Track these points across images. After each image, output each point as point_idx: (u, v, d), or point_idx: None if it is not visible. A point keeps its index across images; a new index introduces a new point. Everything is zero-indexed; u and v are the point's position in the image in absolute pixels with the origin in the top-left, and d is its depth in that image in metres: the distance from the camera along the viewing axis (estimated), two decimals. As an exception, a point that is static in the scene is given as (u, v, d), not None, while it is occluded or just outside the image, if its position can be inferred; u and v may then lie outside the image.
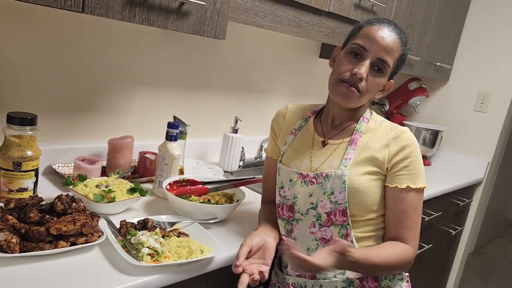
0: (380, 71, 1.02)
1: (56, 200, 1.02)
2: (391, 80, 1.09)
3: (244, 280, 0.92)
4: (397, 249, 1.02)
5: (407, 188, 1.01)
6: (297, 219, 1.08)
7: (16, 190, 1.10)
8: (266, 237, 1.04)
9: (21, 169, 1.09)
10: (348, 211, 1.01)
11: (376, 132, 1.07)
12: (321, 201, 1.04)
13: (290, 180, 1.10)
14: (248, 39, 1.87)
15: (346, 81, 1.01)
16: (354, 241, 1.02)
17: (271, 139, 1.24)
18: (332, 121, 1.12)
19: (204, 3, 1.16)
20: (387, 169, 1.03)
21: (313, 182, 1.05)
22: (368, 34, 1.02)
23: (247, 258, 0.97)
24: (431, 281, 2.53)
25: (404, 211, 1.02)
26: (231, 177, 1.58)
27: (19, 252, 0.88)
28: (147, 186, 1.40)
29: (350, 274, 1.04)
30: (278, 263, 1.17)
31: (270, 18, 1.43)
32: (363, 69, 1.00)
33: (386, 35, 1.01)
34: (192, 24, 1.18)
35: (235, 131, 1.78)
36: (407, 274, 1.12)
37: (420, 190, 1.04)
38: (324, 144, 1.10)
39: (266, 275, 0.96)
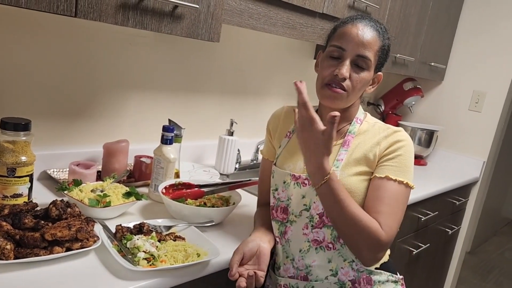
0: (363, 66, 1.02)
1: (51, 205, 1.02)
2: (380, 73, 1.09)
3: (242, 283, 0.93)
4: (369, 217, 0.96)
5: (386, 177, 0.99)
6: (291, 220, 1.08)
7: (10, 196, 1.09)
8: (260, 242, 1.03)
9: (15, 175, 1.08)
10: None
11: (369, 133, 1.07)
12: (314, 202, 1.04)
13: (284, 182, 1.10)
14: (242, 42, 1.88)
15: (330, 82, 1.02)
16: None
17: (267, 141, 1.24)
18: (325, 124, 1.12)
19: (197, 6, 1.16)
20: (376, 164, 1.02)
21: (306, 184, 1.05)
22: (343, 33, 1.02)
23: (241, 265, 0.97)
24: (429, 281, 2.54)
25: (381, 197, 0.98)
26: (227, 180, 1.58)
27: (14, 259, 0.87)
28: (142, 190, 1.39)
29: (342, 276, 1.04)
30: (271, 264, 1.17)
31: (264, 20, 1.43)
32: (344, 69, 1.00)
33: (361, 30, 1.01)
34: (186, 27, 1.18)
35: (230, 133, 1.78)
36: (401, 277, 1.11)
37: (402, 184, 0.99)
38: None
39: (262, 280, 0.96)
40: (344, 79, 1.01)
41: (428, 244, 2.21)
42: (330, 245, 1.03)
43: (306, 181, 1.05)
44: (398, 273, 1.11)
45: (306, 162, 0.96)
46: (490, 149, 2.56)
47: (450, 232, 2.48)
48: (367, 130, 1.08)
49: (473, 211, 2.66)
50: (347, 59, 1.01)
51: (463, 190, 2.49)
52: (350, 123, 1.10)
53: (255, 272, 0.95)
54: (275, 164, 1.15)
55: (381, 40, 1.04)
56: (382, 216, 0.97)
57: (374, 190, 1.00)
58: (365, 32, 1.01)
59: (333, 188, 0.94)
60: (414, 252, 2.10)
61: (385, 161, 1.01)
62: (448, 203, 2.36)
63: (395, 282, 1.08)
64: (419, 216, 2.05)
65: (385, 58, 1.08)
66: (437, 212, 2.18)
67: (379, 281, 1.05)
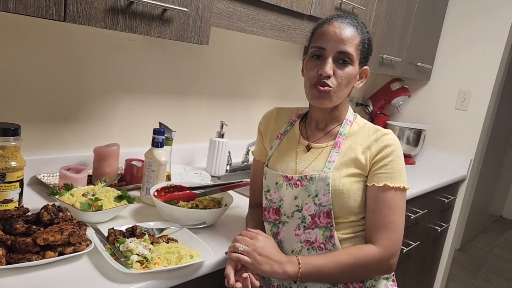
0: (346, 62, 1.04)
1: (43, 210, 1.01)
2: (366, 67, 1.10)
3: (238, 285, 0.95)
4: (352, 249, 1.01)
5: (385, 186, 1.01)
6: (283, 221, 1.09)
7: (0, 201, 1.09)
8: None
9: (5, 180, 1.08)
10: (332, 213, 1.03)
11: (359, 135, 1.08)
12: (306, 203, 1.05)
13: (276, 183, 1.11)
14: (232, 44, 1.88)
15: (317, 83, 1.04)
16: (338, 242, 1.03)
17: (258, 142, 1.25)
18: (316, 125, 1.14)
19: (186, 10, 1.16)
20: (368, 170, 1.04)
21: (298, 185, 1.06)
22: (322, 33, 1.05)
23: (236, 271, 0.98)
24: (420, 278, 2.57)
25: (378, 210, 1.02)
26: (219, 182, 1.58)
27: (6, 264, 0.87)
28: (134, 193, 1.39)
29: None
30: None
31: (253, 22, 1.44)
32: (327, 67, 1.02)
33: (338, 28, 1.03)
34: (175, 30, 1.18)
35: (221, 135, 1.78)
36: (392, 273, 1.13)
37: (399, 189, 1.03)
38: (308, 148, 1.11)
39: (257, 283, 0.96)
40: (329, 76, 1.02)
41: (418, 242, 2.23)
42: (322, 246, 1.04)
43: (298, 182, 1.06)
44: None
45: (276, 275, 0.99)
46: (477, 147, 2.61)
47: (440, 229, 2.51)
48: (357, 132, 1.09)
49: (461, 209, 2.69)
50: (329, 57, 1.03)
51: (451, 188, 2.53)
52: (340, 124, 1.12)
53: (249, 274, 0.96)
54: (266, 166, 1.16)
55: (360, 34, 1.06)
56: (378, 232, 1.02)
57: (376, 201, 1.03)
58: (342, 28, 1.03)
59: (312, 266, 0.98)
60: (404, 250, 2.12)
61: (379, 169, 1.03)
62: (437, 201, 2.39)
63: (386, 278, 1.10)
64: (409, 214, 2.08)
65: (368, 52, 1.09)
66: (426, 210, 2.21)
67: (370, 278, 1.07)
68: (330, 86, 1.03)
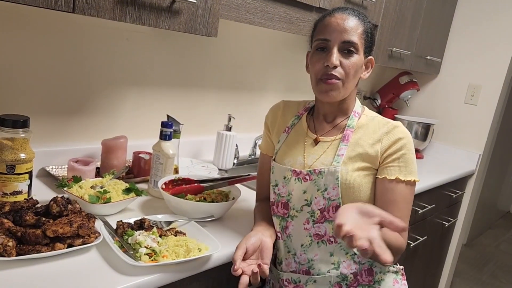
0: (351, 52, 1.03)
1: (52, 202, 1.02)
2: (371, 57, 1.10)
3: (244, 280, 0.92)
4: (397, 234, 1.01)
5: (397, 179, 1.01)
6: (292, 216, 1.09)
7: (10, 193, 1.09)
8: (262, 237, 1.03)
9: (14, 172, 1.08)
10: (341, 207, 1.02)
11: (368, 128, 1.07)
12: (315, 197, 1.04)
13: (284, 178, 1.10)
14: (240, 37, 1.87)
15: (324, 76, 1.03)
16: None
17: (265, 136, 1.24)
18: (324, 118, 1.13)
19: (195, 1, 1.15)
20: (379, 163, 1.04)
21: (307, 179, 1.06)
22: (324, 26, 1.04)
23: (244, 259, 0.97)
24: (426, 273, 2.56)
25: (394, 201, 1.02)
26: (226, 175, 1.58)
27: (16, 256, 0.87)
28: (142, 186, 1.39)
29: (344, 270, 1.05)
30: (272, 259, 1.17)
31: (262, 14, 1.43)
32: (333, 57, 1.01)
33: (340, 19, 1.03)
34: (184, 22, 1.17)
35: (228, 129, 1.78)
36: (401, 267, 1.13)
37: (411, 183, 1.03)
38: (316, 141, 1.10)
39: (267, 272, 0.96)
40: (335, 67, 1.01)
41: (425, 237, 2.22)
42: (332, 239, 1.04)
43: (307, 177, 1.06)
44: (398, 264, 1.12)
45: None
46: (486, 142, 2.58)
47: (447, 224, 2.50)
48: (366, 124, 1.08)
49: (469, 204, 2.68)
50: (334, 47, 1.02)
51: (459, 183, 2.51)
52: (348, 116, 1.10)
53: (259, 264, 0.95)
54: (274, 160, 1.15)
55: (363, 23, 1.05)
56: None
57: (387, 193, 1.02)
58: (345, 19, 1.03)
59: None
60: (411, 245, 2.12)
61: (392, 162, 1.02)
62: (444, 196, 2.38)
63: (396, 272, 1.10)
64: (417, 209, 2.07)
65: (371, 41, 1.08)
66: (434, 205, 2.20)
67: (380, 272, 1.07)
68: (338, 78, 1.02)
